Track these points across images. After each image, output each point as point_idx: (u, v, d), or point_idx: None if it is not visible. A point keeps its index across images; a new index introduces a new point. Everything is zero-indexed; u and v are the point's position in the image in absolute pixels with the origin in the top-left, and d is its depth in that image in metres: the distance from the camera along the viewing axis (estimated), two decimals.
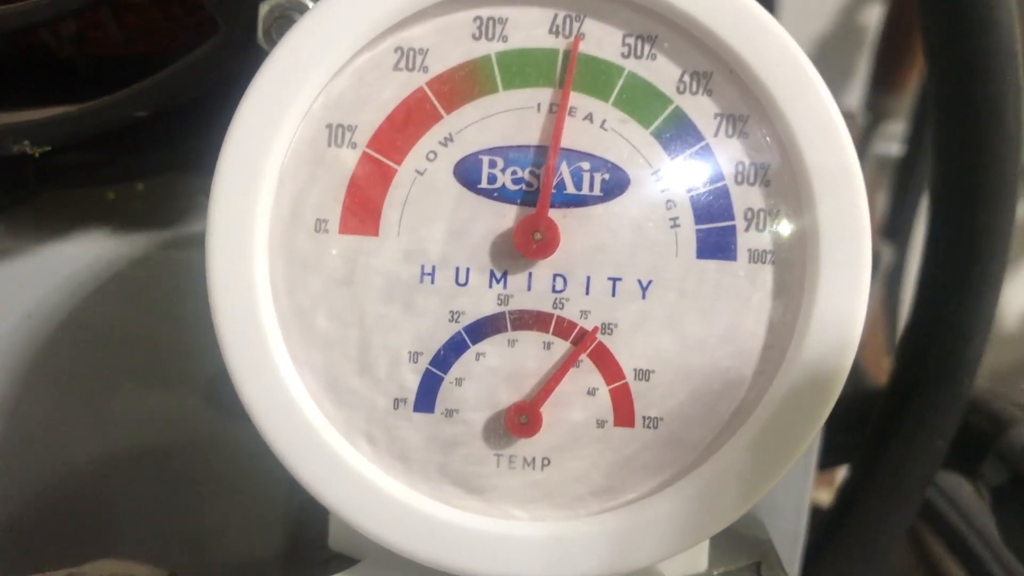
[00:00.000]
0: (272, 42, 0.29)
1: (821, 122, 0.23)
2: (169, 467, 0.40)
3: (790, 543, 0.41)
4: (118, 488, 0.41)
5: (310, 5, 0.29)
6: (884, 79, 1.15)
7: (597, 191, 0.25)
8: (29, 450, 0.40)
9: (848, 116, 0.25)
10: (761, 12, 0.24)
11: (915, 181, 1.24)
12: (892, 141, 1.28)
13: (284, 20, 0.29)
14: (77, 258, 0.39)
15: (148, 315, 0.39)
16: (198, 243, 0.38)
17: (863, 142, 1.21)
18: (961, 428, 0.45)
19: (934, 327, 0.39)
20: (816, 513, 0.45)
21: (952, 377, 0.40)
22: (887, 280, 1.22)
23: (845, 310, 0.24)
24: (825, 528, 0.43)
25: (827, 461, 0.46)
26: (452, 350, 0.26)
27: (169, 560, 0.34)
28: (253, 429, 0.27)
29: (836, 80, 1.40)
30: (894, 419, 0.41)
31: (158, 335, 0.39)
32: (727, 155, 0.25)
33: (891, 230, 1.22)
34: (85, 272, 0.39)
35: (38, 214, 0.39)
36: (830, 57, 1.38)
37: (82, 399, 0.40)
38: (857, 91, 1.40)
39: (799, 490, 0.40)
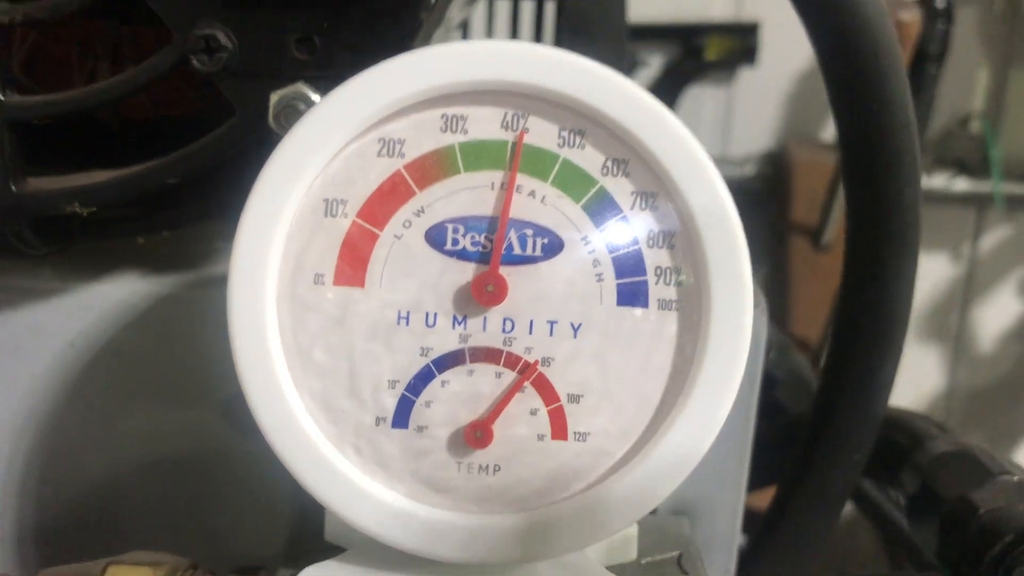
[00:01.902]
0: (280, 125, 0.34)
1: (711, 198, 0.29)
2: (188, 475, 0.44)
3: (726, 544, 0.45)
4: (143, 493, 0.44)
5: (312, 96, 0.35)
6: None
7: (538, 252, 0.30)
8: (67, 459, 0.44)
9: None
10: (664, 111, 0.29)
11: None
12: None
13: (290, 108, 0.34)
14: (112, 295, 0.42)
15: (172, 344, 0.43)
16: (216, 283, 0.43)
17: (840, 170, 1.27)
18: (885, 443, 0.50)
19: (850, 355, 0.45)
20: (753, 519, 0.50)
21: (866, 398, 0.45)
22: None
23: (732, 344, 0.29)
24: (759, 532, 0.49)
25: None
26: (422, 379, 0.30)
27: (190, 554, 0.39)
28: (261, 442, 0.31)
29: (816, 112, 1.46)
30: (818, 436, 0.46)
31: (180, 361, 0.43)
32: (641, 224, 0.30)
33: None
34: (119, 307, 0.43)
35: (79, 259, 0.43)
36: (809, 91, 1.43)
37: (114, 416, 0.44)
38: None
39: (733, 496, 0.45)
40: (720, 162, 1.16)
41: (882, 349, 0.44)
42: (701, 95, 1.42)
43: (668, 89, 1.39)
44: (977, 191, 1.41)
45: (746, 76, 1.40)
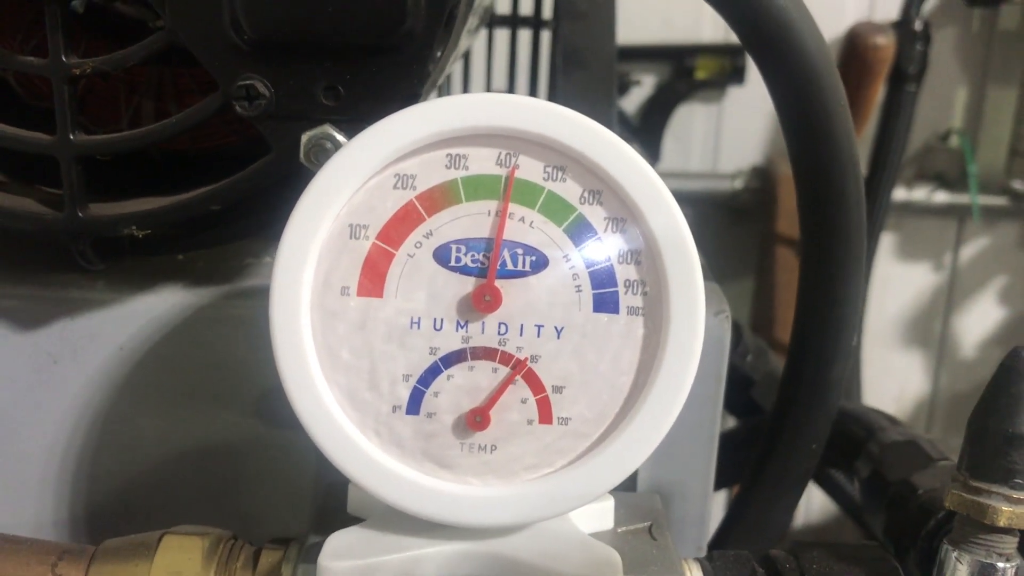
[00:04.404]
0: (310, 161, 0.39)
1: (670, 224, 0.35)
2: (223, 465, 0.49)
3: (698, 522, 0.50)
4: (183, 481, 0.49)
5: (337, 136, 0.40)
6: None
7: (527, 267, 0.35)
8: (116, 450, 0.48)
9: None
10: (630, 151, 0.35)
11: (872, 218, 1.35)
12: None
13: (318, 147, 0.39)
14: (157, 305, 0.47)
15: (208, 348, 0.47)
16: (246, 295, 0.48)
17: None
18: (843, 435, 0.56)
19: (806, 356, 0.50)
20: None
21: (820, 393, 0.50)
22: None
23: (688, 343, 0.35)
24: (730, 511, 0.55)
25: None
26: (431, 373, 0.35)
27: (229, 529, 0.44)
28: (293, 432, 0.36)
29: None
30: (778, 428, 0.51)
31: (216, 364, 0.47)
32: (613, 244, 0.35)
33: None
34: (162, 316, 0.47)
35: (129, 273, 0.47)
36: None
37: (159, 411, 0.48)
38: None
39: (704, 480, 0.50)
40: (710, 177, 1.22)
41: (833, 351, 0.49)
42: (692, 113, 1.47)
43: (661, 107, 1.45)
44: (957, 203, 1.46)
45: (735, 95, 1.45)
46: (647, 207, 0.35)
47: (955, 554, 0.36)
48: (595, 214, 0.36)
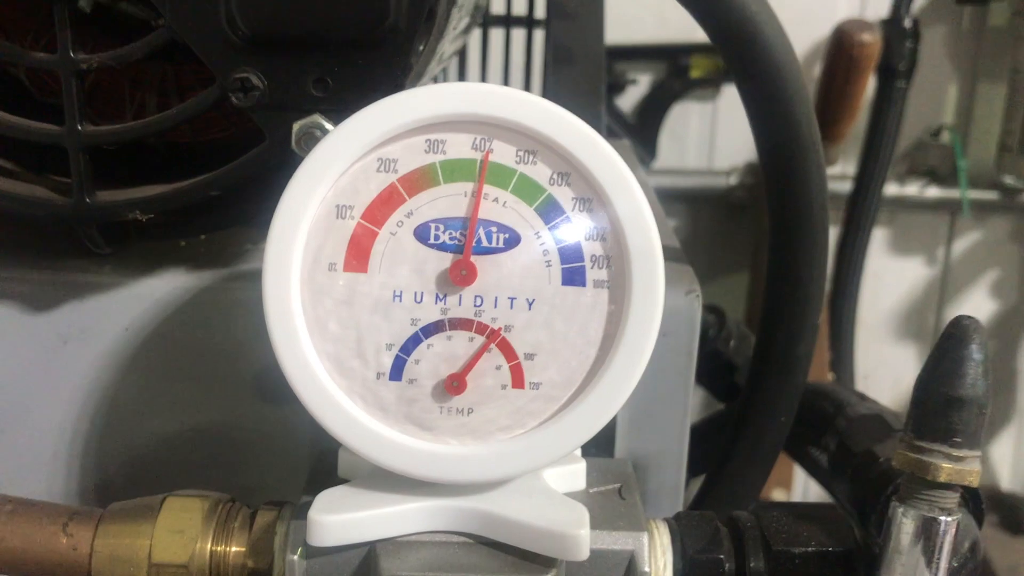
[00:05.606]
0: (301, 148, 0.42)
1: (632, 204, 0.37)
2: (222, 438, 0.51)
3: (673, 491, 0.53)
4: (185, 453, 0.51)
5: (326, 125, 0.43)
6: (822, 131, 1.29)
7: (501, 244, 0.37)
8: (122, 425, 0.51)
9: None
10: (596, 136, 0.37)
11: (864, 213, 1.37)
12: (841, 181, 1.41)
13: (309, 135, 0.42)
14: (160, 288, 0.49)
15: (209, 329, 0.50)
16: (245, 278, 0.50)
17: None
18: (812, 409, 0.59)
19: (774, 335, 0.52)
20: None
21: (788, 370, 0.52)
22: (829, 302, 1.35)
23: (648, 313, 0.37)
24: (705, 482, 0.57)
25: None
26: (412, 342, 0.37)
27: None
28: (288, 405, 0.39)
29: None
30: (750, 403, 0.54)
31: (216, 343, 0.50)
32: (580, 223, 0.38)
33: (841, 256, 1.35)
34: (166, 298, 0.49)
35: (134, 257, 0.50)
36: None
37: (161, 389, 0.51)
38: None
39: (677, 450, 0.52)
40: (706, 173, 1.25)
41: (799, 329, 0.51)
42: (687, 111, 1.50)
43: (657, 105, 1.47)
44: (949, 198, 1.49)
45: (729, 93, 1.47)
46: (611, 188, 0.38)
47: (901, 510, 0.39)
48: (563, 195, 0.38)
